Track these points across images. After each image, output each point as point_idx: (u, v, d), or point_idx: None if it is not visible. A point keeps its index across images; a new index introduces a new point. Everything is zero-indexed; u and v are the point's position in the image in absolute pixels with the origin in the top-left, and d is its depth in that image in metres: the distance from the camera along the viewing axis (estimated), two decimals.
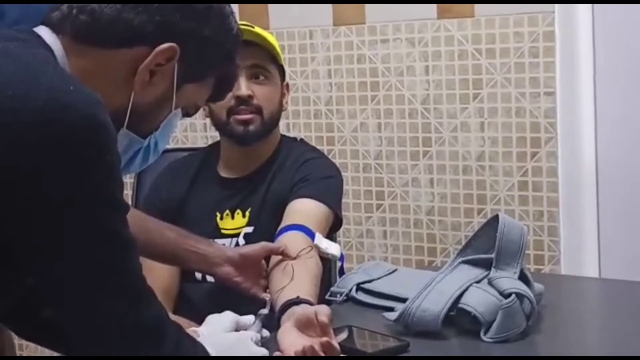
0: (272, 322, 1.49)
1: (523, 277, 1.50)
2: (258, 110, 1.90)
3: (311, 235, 1.74)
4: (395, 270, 1.80)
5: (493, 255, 1.50)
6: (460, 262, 1.54)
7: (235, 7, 1.34)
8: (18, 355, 2.73)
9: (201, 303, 1.85)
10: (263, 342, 1.40)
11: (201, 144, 2.83)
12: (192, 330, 1.40)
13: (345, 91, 2.76)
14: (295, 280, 1.60)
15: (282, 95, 1.97)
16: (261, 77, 1.91)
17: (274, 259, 1.72)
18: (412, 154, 2.69)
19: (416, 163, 2.68)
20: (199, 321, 1.48)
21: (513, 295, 1.44)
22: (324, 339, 1.32)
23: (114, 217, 1.06)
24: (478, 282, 1.49)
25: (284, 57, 2.12)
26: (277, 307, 1.52)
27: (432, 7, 2.58)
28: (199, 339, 1.28)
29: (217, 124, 1.94)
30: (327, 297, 1.72)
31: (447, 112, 2.61)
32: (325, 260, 1.78)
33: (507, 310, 1.43)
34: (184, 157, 2.10)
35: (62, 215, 1.01)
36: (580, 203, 2.49)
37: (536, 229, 2.53)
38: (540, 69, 2.47)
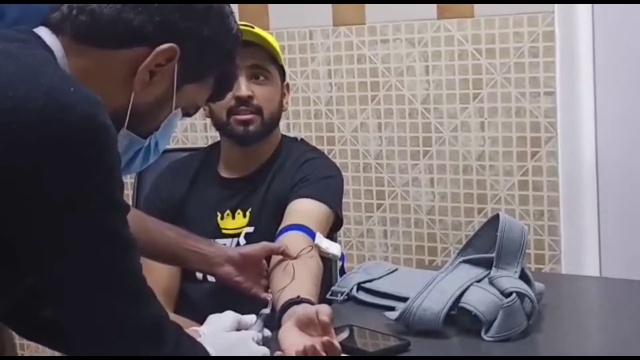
0: (273, 322, 1.49)
1: (524, 277, 1.50)
2: (258, 111, 1.90)
3: (312, 235, 1.74)
4: (396, 269, 1.80)
5: (494, 255, 1.50)
6: (460, 262, 1.54)
7: (235, 8, 1.34)
8: (19, 355, 2.74)
9: (202, 303, 1.85)
10: (264, 342, 1.40)
11: (201, 144, 2.83)
12: (193, 329, 1.40)
13: (346, 91, 2.76)
14: (296, 279, 1.60)
15: (282, 95, 1.97)
16: (261, 78, 1.91)
17: (275, 258, 1.72)
18: (412, 153, 2.69)
19: (416, 163, 2.68)
20: (200, 321, 1.48)
21: (514, 295, 1.44)
22: (325, 338, 1.32)
23: (114, 217, 1.06)
24: (479, 281, 1.49)
25: (284, 58, 2.12)
26: (278, 306, 1.52)
27: (432, 8, 2.58)
28: (199, 339, 1.28)
29: (217, 124, 1.94)
30: (327, 296, 1.72)
31: (447, 112, 2.61)
32: (326, 260, 1.78)
33: (507, 309, 1.43)
34: (184, 157, 2.10)
35: (62, 216, 1.01)
36: (581, 202, 2.49)
37: (537, 228, 2.53)
38: (540, 69, 2.47)
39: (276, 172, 1.94)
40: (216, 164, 2.00)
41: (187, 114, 1.27)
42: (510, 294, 1.45)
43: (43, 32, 1.14)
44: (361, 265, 1.86)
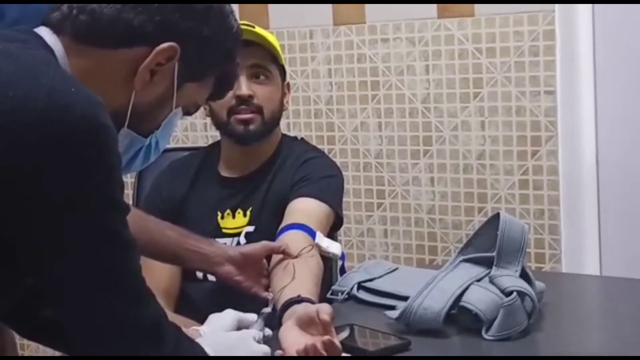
0: (273, 321, 1.49)
1: (524, 275, 1.50)
2: (258, 110, 1.90)
3: (312, 234, 1.74)
4: (396, 268, 1.80)
5: (494, 254, 1.50)
6: (461, 261, 1.54)
7: (235, 7, 1.34)
8: (20, 355, 2.74)
9: (202, 302, 1.85)
10: (265, 341, 1.40)
11: (201, 143, 2.83)
12: (194, 329, 1.40)
13: (346, 90, 2.76)
14: (296, 279, 1.60)
15: (283, 94, 1.97)
16: (262, 77, 1.91)
17: (275, 258, 1.72)
18: (412, 152, 2.69)
19: (417, 162, 2.68)
20: (201, 320, 1.48)
21: (514, 294, 1.44)
22: (326, 337, 1.32)
23: (114, 217, 1.06)
24: (479, 280, 1.49)
25: (284, 57, 2.12)
26: (279, 305, 1.52)
27: (432, 7, 2.58)
28: (200, 339, 1.28)
29: (218, 124, 1.94)
30: (328, 295, 1.72)
31: (447, 111, 2.61)
32: (326, 259, 1.78)
33: (508, 308, 1.43)
34: (184, 156, 2.10)
35: (62, 216, 1.02)
36: (581, 201, 2.49)
37: (537, 227, 2.53)
38: (540, 68, 2.47)
39: (276, 171, 1.94)
40: (216, 163, 2.00)
41: (188, 113, 1.28)
42: (511, 292, 1.45)
43: (44, 32, 1.15)
44: (361, 264, 1.86)
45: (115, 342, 1.08)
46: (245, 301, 1.63)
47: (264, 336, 1.42)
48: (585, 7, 2.42)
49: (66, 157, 1.00)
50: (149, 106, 1.19)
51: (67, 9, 1.15)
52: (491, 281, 1.48)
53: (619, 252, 2.48)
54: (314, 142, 2.35)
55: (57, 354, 1.27)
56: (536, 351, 1.45)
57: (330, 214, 1.87)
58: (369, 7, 2.68)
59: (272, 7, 2.82)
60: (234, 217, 1.92)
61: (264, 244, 1.73)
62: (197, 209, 1.95)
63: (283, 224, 1.80)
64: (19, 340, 2.15)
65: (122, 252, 1.07)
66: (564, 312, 1.61)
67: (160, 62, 1.16)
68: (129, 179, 2.42)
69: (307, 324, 1.38)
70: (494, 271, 1.50)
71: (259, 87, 1.90)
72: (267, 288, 1.70)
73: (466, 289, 1.48)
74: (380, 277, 1.75)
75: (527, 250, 1.53)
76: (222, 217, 1.92)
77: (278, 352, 1.35)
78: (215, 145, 2.04)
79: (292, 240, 1.72)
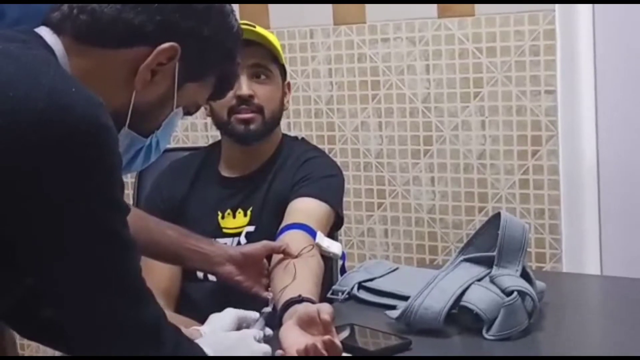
0: (274, 321, 1.49)
1: (525, 275, 1.50)
2: (259, 110, 1.90)
3: (312, 234, 1.74)
4: (397, 268, 1.80)
5: (495, 253, 1.50)
6: (462, 260, 1.54)
7: (235, 7, 1.34)
8: (20, 354, 2.74)
9: (203, 302, 1.85)
10: (266, 340, 1.40)
11: (202, 143, 2.83)
12: (195, 329, 1.40)
13: (346, 90, 2.76)
14: (297, 279, 1.60)
15: (284, 94, 1.97)
16: (262, 77, 1.91)
17: (276, 257, 1.72)
18: (413, 152, 2.69)
19: (417, 161, 2.68)
20: (201, 320, 1.48)
21: (515, 293, 1.44)
22: (326, 337, 1.32)
23: (114, 217, 1.06)
24: (480, 280, 1.49)
25: (285, 57, 2.12)
26: (279, 305, 1.52)
27: (433, 6, 2.58)
28: (200, 339, 1.28)
29: (218, 123, 1.94)
30: (328, 295, 1.72)
31: (448, 110, 2.61)
32: (327, 259, 1.78)
33: (509, 307, 1.43)
34: (185, 156, 2.10)
35: (62, 216, 1.02)
36: (582, 201, 2.49)
37: (537, 226, 2.53)
38: (541, 67, 2.47)
39: (277, 171, 1.94)
40: (217, 163, 2.00)
41: (188, 112, 1.28)
42: (512, 292, 1.45)
43: (44, 31, 1.15)
44: (362, 264, 1.86)
45: (115, 342, 1.08)
46: (246, 301, 1.63)
47: (264, 335, 1.42)
48: (586, 7, 2.42)
49: (66, 158, 1.00)
50: (149, 106, 1.19)
51: (67, 8, 1.15)
52: (492, 281, 1.48)
53: (619, 251, 2.48)
54: (314, 142, 2.35)
55: (57, 354, 1.28)
56: (537, 351, 1.45)
57: (331, 213, 1.86)
58: (369, 7, 2.68)
59: (272, 7, 2.82)
60: (234, 216, 1.92)
61: (265, 243, 1.73)
62: (198, 209, 1.95)
63: (283, 224, 1.80)
64: (19, 340, 2.15)
65: (122, 252, 1.07)
66: (565, 311, 1.61)
67: (161, 62, 1.16)
68: (129, 179, 2.43)
69: (307, 324, 1.38)
70: (495, 271, 1.50)
71: (260, 86, 1.90)
72: (267, 288, 1.70)
73: (467, 288, 1.48)
74: (380, 276, 1.75)
75: (528, 249, 1.53)
76: (223, 217, 1.92)
77: (279, 352, 1.35)
78: (216, 145, 2.04)
79: (292, 240, 1.72)
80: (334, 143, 2.79)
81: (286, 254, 1.69)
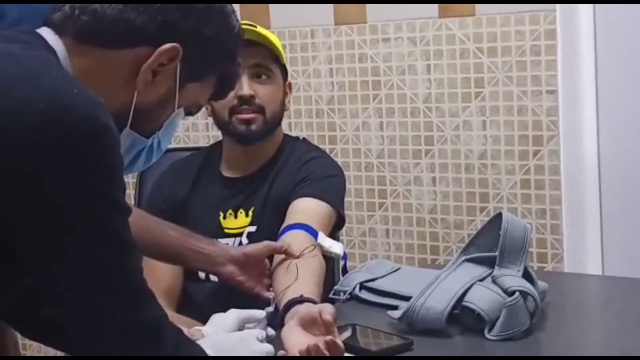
0: (276, 321, 1.49)
1: (527, 275, 1.50)
2: (260, 110, 1.90)
3: (314, 234, 1.74)
4: (398, 268, 1.80)
5: (496, 253, 1.50)
6: (463, 261, 1.54)
7: (236, 7, 1.33)
8: (22, 355, 2.74)
9: (205, 302, 1.85)
10: (268, 340, 1.40)
11: (203, 143, 2.83)
12: (196, 329, 1.40)
13: (347, 90, 2.76)
14: (298, 279, 1.60)
15: (285, 94, 1.97)
16: (263, 77, 1.91)
17: (277, 257, 1.72)
18: (414, 152, 2.69)
19: (418, 162, 2.68)
20: (203, 320, 1.48)
21: (517, 293, 1.44)
22: (328, 337, 1.32)
23: (115, 218, 1.06)
24: (482, 280, 1.49)
25: (286, 57, 2.12)
26: (281, 306, 1.52)
27: (434, 6, 2.58)
28: (201, 340, 1.28)
29: (220, 124, 1.94)
30: (330, 295, 1.72)
31: (449, 110, 2.61)
32: (328, 259, 1.78)
33: (511, 308, 1.43)
34: (186, 156, 2.10)
35: (63, 216, 1.02)
36: (583, 201, 2.49)
37: (539, 227, 2.53)
38: (542, 67, 2.47)
39: (278, 171, 1.94)
40: (218, 163, 2.00)
41: (190, 113, 1.28)
42: (514, 292, 1.45)
43: (46, 32, 1.15)
44: (364, 264, 1.86)
45: (116, 342, 1.08)
46: (248, 301, 1.63)
47: (267, 335, 1.42)
48: (587, 7, 2.42)
49: (67, 158, 1.00)
50: (151, 106, 1.19)
51: (68, 9, 1.15)
52: (494, 281, 1.48)
53: (621, 251, 2.48)
54: (315, 142, 2.35)
55: (59, 353, 1.28)
56: (539, 351, 1.45)
57: (332, 213, 1.86)
58: (370, 7, 2.68)
59: (273, 7, 2.82)
60: (236, 217, 1.92)
61: (266, 244, 1.73)
62: (199, 209, 1.95)
63: (285, 224, 1.80)
64: (21, 340, 2.15)
65: (122, 252, 1.07)
66: (567, 311, 1.61)
67: (162, 63, 1.16)
68: (130, 179, 2.43)
69: (309, 324, 1.38)
70: (497, 271, 1.49)
71: (261, 86, 1.90)
72: (269, 288, 1.69)
73: (469, 288, 1.47)
74: (382, 277, 1.75)
75: (530, 249, 1.53)
76: (224, 217, 1.92)
77: (280, 352, 1.35)
78: (217, 145, 2.04)
79: (294, 240, 1.72)
80: (335, 143, 2.79)
81: (288, 254, 1.69)
